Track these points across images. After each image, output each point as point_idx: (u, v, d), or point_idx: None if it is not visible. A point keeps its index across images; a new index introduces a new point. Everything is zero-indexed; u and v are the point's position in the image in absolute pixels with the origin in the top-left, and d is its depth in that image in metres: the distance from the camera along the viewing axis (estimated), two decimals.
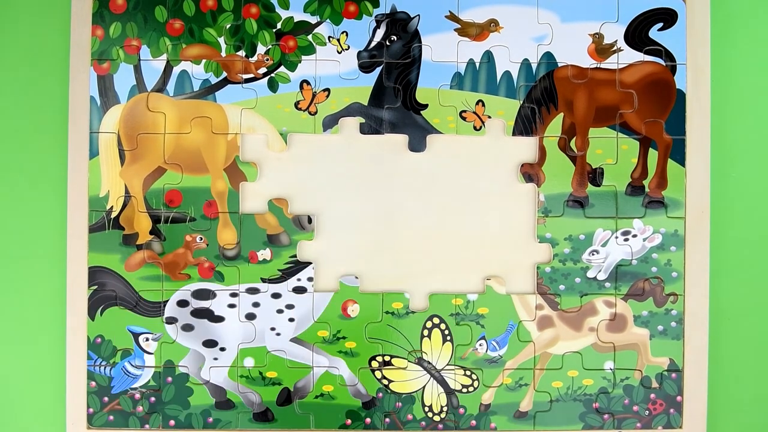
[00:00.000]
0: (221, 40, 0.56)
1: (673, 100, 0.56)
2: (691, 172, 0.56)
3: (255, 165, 0.56)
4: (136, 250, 0.56)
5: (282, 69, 0.57)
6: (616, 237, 0.57)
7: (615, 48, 0.56)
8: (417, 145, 0.56)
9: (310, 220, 0.56)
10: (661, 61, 0.56)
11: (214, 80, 0.56)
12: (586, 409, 0.57)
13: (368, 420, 0.56)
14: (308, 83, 0.56)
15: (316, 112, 0.56)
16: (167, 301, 0.56)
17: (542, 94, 0.56)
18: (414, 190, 0.56)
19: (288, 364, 0.56)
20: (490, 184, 0.57)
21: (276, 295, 0.56)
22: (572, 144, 0.57)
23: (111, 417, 0.56)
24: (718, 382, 0.57)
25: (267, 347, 0.56)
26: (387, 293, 0.56)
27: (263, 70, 0.56)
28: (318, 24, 0.56)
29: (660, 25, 0.56)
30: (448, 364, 0.57)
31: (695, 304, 0.56)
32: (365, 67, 0.56)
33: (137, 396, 0.56)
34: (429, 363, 0.56)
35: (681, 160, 0.56)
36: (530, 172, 0.57)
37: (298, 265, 0.56)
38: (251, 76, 0.56)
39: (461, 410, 0.57)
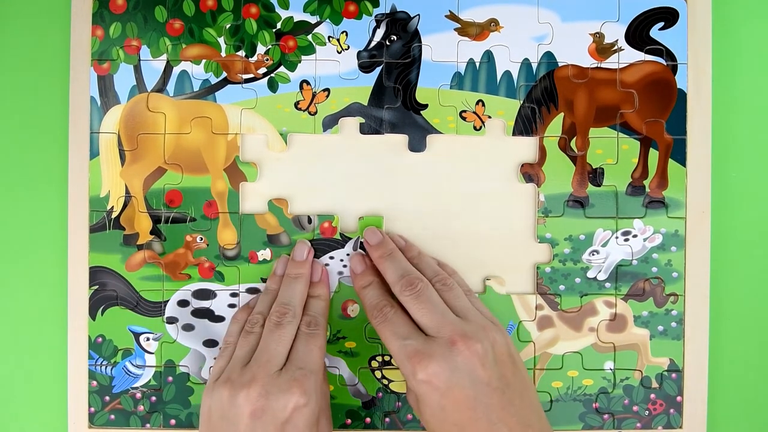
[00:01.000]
0: (221, 40, 0.56)
1: (673, 100, 0.56)
2: (691, 172, 0.56)
3: (255, 165, 0.56)
4: (136, 250, 0.56)
5: (282, 69, 0.56)
6: (617, 237, 0.56)
7: (616, 47, 0.56)
8: (417, 145, 0.56)
9: (310, 220, 0.56)
10: (662, 61, 0.56)
11: (214, 80, 0.56)
12: (586, 409, 0.57)
13: (368, 420, 0.57)
14: (308, 83, 0.56)
15: (316, 112, 0.56)
16: (168, 301, 0.56)
17: (542, 94, 0.56)
18: (414, 190, 0.56)
19: None
20: (490, 184, 0.57)
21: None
22: (572, 144, 0.57)
23: (112, 416, 0.56)
24: (718, 382, 0.57)
25: None
26: None
27: (263, 70, 0.56)
28: (318, 24, 0.56)
29: (661, 24, 0.56)
30: None
31: (695, 304, 0.56)
32: (365, 67, 0.56)
33: (138, 395, 0.57)
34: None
35: (682, 160, 0.56)
36: (530, 172, 0.57)
37: None
38: (251, 76, 0.56)
39: None
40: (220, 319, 0.56)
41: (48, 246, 0.57)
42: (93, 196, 0.56)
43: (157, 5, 0.56)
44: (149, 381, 0.57)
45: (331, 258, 0.56)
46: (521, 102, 0.56)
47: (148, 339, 0.56)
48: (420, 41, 0.56)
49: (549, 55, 0.56)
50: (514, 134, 0.56)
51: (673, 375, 0.57)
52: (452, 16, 0.56)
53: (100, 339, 0.56)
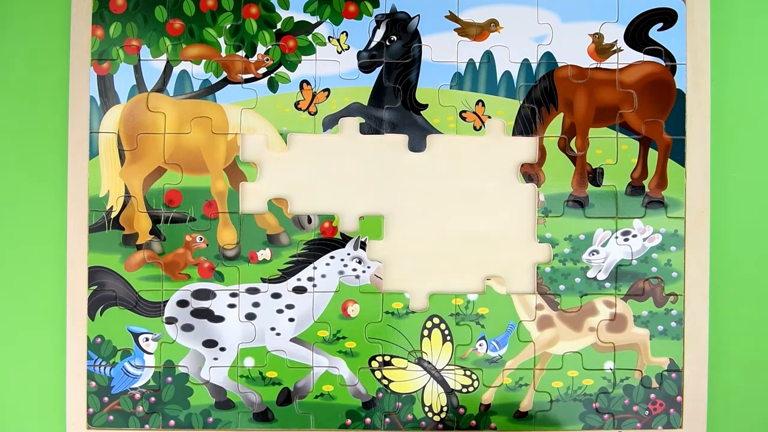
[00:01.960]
0: (221, 40, 0.56)
1: (673, 100, 0.56)
2: (691, 172, 0.56)
3: (255, 165, 0.56)
4: (136, 250, 0.56)
5: (282, 69, 0.57)
6: (616, 237, 0.57)
7: (615, 48, 0.56)
8: (417, 145, 0.56)
9: (309, 220, 0.56)
10: (661, 61, 0.56)
11: (214, 80, 0.56)
12: (586, 409, 0.57)
13: (368, 420, 0.56)
14: (308, 83, 0.56)
15: (316, 112, 0.56)
16: (167, 301, 0.56)
17: (542, 94, 0.56)
18: (414, 190, 0.56)
19: (288, 364, 0.56)
20: (490, 184, 0.57)
21: (276, 295, 0.56)
22: (572, 144, 0.57)
23: (111, 417, 0.56)
24: (718, 382, 0.57)
25: (267, 347, 0.56)
26: (387, 293, 0.56)
27: (263, 70, 0.56)
28: (318, 24, 0.56)
29: (660, 25, 0.56)
30: (448, 364, 0.57)
31: (695, 304, 0.56)
32: (365, 67, 0.56)
33: (137, 396, 0.56)
34: (429, 363, 0.56)
35: (681, 160, 0.56)
36: (530, 172, 0.57)
37: (298, 265, 0.56)
38: (251, 76, 0.56)
39: (461, 410, 0.56)
40: (220, 319, 0.56)
41: (47, 246, 0.57)
42: (92, 196, 0.56)
43: (157, 5, 0.56)
44: (148, 381, 0.56)
45: (332, 258, 0.56)
46: (521, 102, 0.56)
47: (147, 339, 0.56)
48: (420, 41, 0.56)
49: (549, 56, 0.56)
50: (514, 134, 0.56)
51: (673, 375, 0.57)
52: (452, 17, 0.56)
53: (99, 339, 0.56)
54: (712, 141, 0.57)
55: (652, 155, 0.56)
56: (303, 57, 0.57)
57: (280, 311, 0.56)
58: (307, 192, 0.56)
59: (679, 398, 0.57)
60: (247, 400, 0.56)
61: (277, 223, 0.56)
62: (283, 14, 0.56)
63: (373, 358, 0.56)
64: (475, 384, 0.56)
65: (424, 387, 0.57)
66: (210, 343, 0.56)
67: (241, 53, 0.56)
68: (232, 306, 0.56)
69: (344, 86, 0.56)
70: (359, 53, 0.56)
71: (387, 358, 0.56)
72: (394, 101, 0.56)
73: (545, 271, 0.57)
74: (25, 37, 0.58)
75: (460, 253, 0.56)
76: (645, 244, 0.57)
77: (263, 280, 0.56)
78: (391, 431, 0.56)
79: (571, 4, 0.56)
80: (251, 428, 0.56)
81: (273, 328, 0.56)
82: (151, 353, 0.56)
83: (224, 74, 0.56)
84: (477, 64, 0.56)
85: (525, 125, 0.56)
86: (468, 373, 0.57)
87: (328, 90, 0.56)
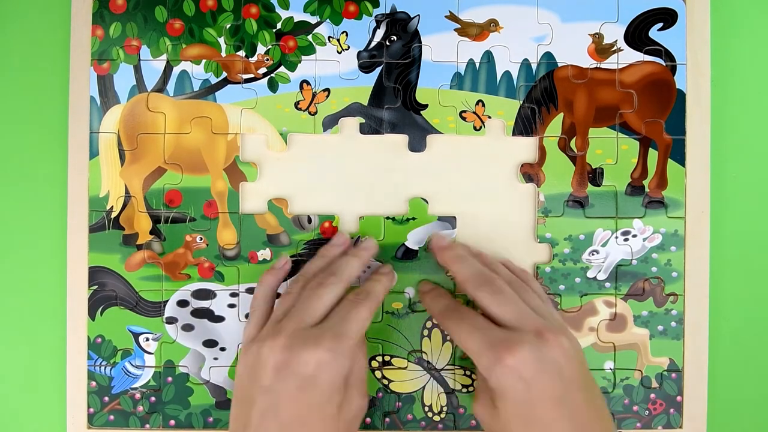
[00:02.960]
0: (221, 40, 0.56)
1: (673, 100, 0.56)
2: (691, 172, 0.56)
3: (255, 165, 0.56)
4: (136, 250, 0.56)
5: (282, 69, 0.57)
6: (616, 237, 0.57)
7: (615, 48, 0.56)
8: (417, 145, 0.56)
9: (310, 220, 0.56)
10: (661, 61, 0.56)
11: (214, 80, 0.56)
12: None
13: (368, 420, 0.56)
14: (308, 83, 0.56)
15: (316, 112, 0.56)
16: (167, 301, 0.56)
17: (542, 94, 0.56)
18: (414, 190, 0.56)
19: None
20: (490, 184, 0.57)
21: (276, 295, 0.56)
22: (572, 144, 0.57)
23: (111, 417, 0.56)
24: (718, 382, 0.57)
25: None
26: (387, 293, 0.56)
27: (263, 70, 0.56)
28: (318, 24, 0.56)
29: (660, 25, 0.56)
30: (448, 364, 0.57)
31: (695, 304, 0.56)
32: (365, 67, 0.56)
33: (137, 396, 0.56)
34: (429, 363, 0.56)
35: (681, 160, 0.56)
36: (530, 172, 0.57)
37: (298, 265, 0.56)
38: (251, 76, 0.56)
39: (461, 410, 0.57)
40: (220, 319, 0.56)
41: (47, 246, 0.57)
42: (92, 196, 0.56)
43: (157, 5, 0.56)
44: (149, 381, 0.56)
45: None
46: (521, 102, 0.56)
47: (147, 339, 0.56)
48: (420, 41, 0.56)
49: (549, 56, 0.56)
50: (513, 134, 0.56)
51: (673, 375, 0.57)
52: (452, 17, 0.56)
53: (99, 339, 0.56)
54: (712, 141, 0.57)
55: (652, 155, 0.56)
56: (303, 57, 0.57)
57: None
58: (307, 192, 0.56)
59: (679, 398, 0.57)
60: None
61: (277, 223, 0.56)
62: (283, 14, 0.56)
63: (373, 357, 0.56)
64: (475, 384, 0.56)
65: (424, 387, 0.57)
66: (210, 343, 0.56)
67: (241, 53, 0.56)
68: (232, 306, 0.56)
69: (344, 86, 0.56)
70: (359, 53, 0.56)
71: (387, 358, 0.56)
72: (394, 101, 0.56)
73: (545, 271, 0.57)
74: (25, 37, 0.58)
75: None
76: (645, 244, 0.57)
77: None
78: (391, 431, 0.56)
79: (571, 4, 0.56)
80: None
81: None
82: (152, 353, 0.56)
83: (224, 74, 0.56)
84: (477, 64, 0.56)
85: (525, 125, 0.56)
86: (468, 373, 0.57)
87: (328, 90, 0.56)
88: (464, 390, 0.57)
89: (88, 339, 0.56)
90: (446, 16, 0.56)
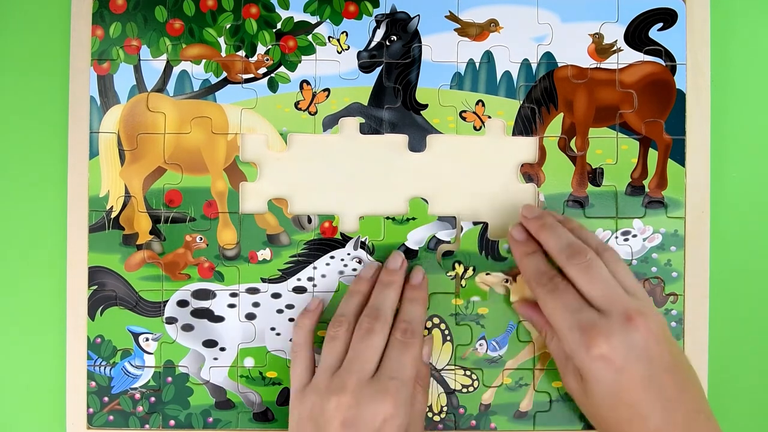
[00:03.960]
0: (221, 40, 0.56)
1: (672, 100, 0.56)
2: (691, 172, 0.56)
3: (255, 165, 0.56)
4: (136, 250, 0.56)
5: (282, 69, 0.57)
6: (616, 237, 0.57)
7: (615, 48, 0.56)
8: (417, 145, 0.57)
9: (310, 220, 0.56)
10: (661, 61, 0.56)
11: (214, 80, 0.56)
12: None
13: None
14: (308, 83, 0.56)
15: (316, 112, 0.56)
16: (167, 301, 0.56)
17: (542, 94, 0.56)
18: (414, 190, 0.56)
19: (288, 364, 0.56)
20: (490, 184, 0.57)
21: (276, 295, 0.56)
22: (572, 144, 0.57)
23: (111, 417, 0.56)
24: (718, 382, 0.57)
25: (267, 347, 0.56)
26: None
27: (263, 70, 0.56)
28: (318, 24, 0.56)
29: (660, 25, 0.56)
30: (448, 364, 0.57)
31: (695, 304, 0.56)
32: (365, 67, 0.56)
33: (137, 396, 0.56)
34: (429, 363, 0.56)
35: (681, 160, 0.56)
36: (530, 172, 0.57)
37: (298, 265, 0.56)
38: (251, 76, 0.56)
39: (461, 410, 0.57)
40: (220, 319, 0.56)
41: (47, 246, 0.57)
42: (92, 196, 0.56)
43: (157, 5, 0.56)
44: (148, 381, 0.56)
45: (332, 258, 0.56)
46: (521, 102, 0.56)
47: (147, 339, 0.56)
48: (420, 41, 0.56)
49: (549, 56, 0.56)
50: (513, 134, 0.57)
51: None
52: (452, 17, 0.56)
53: (99, 339, 0.56)
54: (712, 141, 0.57)
55: (652, 155, 0.56)
56: (303, 57, 0.57)
57: (280, 311, 0.56)
58: (307, 192, 0.56)
59: None
60: (247, 400, 0.56)
61: (277, 223, 0.56)
62: (283, 14, 0.56)
63: None
64: (475, 384, 0.56)
65: None
66: (210, 343, 0.56)
67: (241, 53, 0.56)
68: (232, 306, 0.56)
69: (344, 86, 0.56)
70: (359, 53, 0.56)
71: None
72: (394, 101, 0.56)
73: None
74: (25, 37, 0.58)
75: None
76: (645, 244, 0.57)
77: (263, 280, 0.56)
78: None
79: (571, 4, 0.56)
80: (251, 428, 0.56)
81: (273, 328, 0.56)
82: (151, 353, 0.56)
83: (224, 74, 0.56)
84: (477, 64, 0.56)
85: (525, 125, 0.56)
86: (468, 373, 0.57)
87: (328, 90, 0.56)
88: (464, 390, 0.57)
89: (88, 339, 0.56)
90: (446, 16, 0.56)
